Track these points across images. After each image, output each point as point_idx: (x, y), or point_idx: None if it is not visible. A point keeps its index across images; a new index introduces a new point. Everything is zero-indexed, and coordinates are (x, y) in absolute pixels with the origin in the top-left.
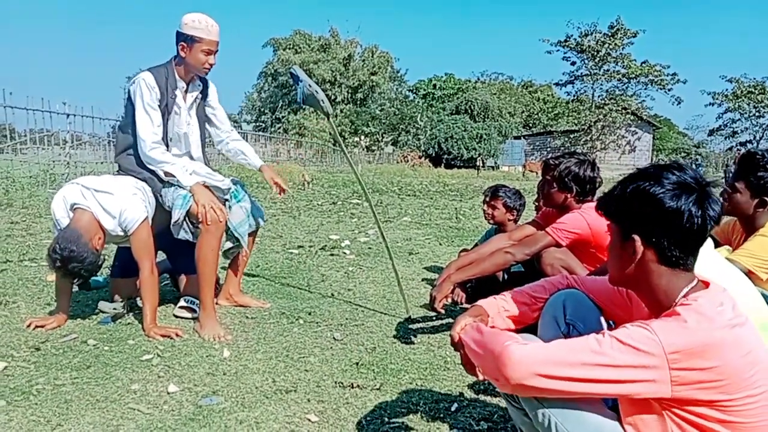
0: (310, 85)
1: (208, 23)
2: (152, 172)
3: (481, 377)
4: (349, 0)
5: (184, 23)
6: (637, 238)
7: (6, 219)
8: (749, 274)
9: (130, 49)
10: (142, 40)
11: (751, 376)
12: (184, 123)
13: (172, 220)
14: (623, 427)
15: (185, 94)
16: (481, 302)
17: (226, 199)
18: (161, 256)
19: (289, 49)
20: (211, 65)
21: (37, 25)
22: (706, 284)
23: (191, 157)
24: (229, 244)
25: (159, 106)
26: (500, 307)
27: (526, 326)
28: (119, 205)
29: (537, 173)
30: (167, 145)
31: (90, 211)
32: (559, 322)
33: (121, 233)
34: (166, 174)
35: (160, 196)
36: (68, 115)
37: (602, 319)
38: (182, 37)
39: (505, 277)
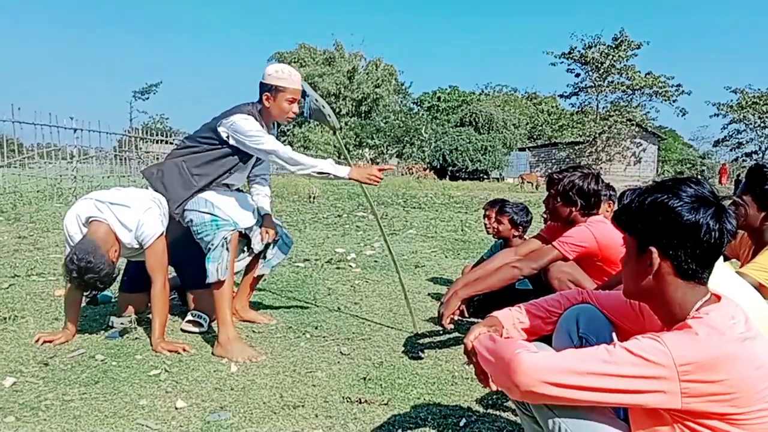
0: (316, 100)
1: (291, 73)
2: (200, 189)
3: (493, 387)
4: (353, 14)
5: (267, 74)
6: (654, 250)
7: (14, 234)
8: (760, 287)
9: (137, 64)
10: (148, 55)
11: (763, 389)
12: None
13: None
14: None
15: None
16: (496, 313)
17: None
18: (170, 271)
19: (294, 62)
20: (295, 113)
21: (45, 39)
22: (718, 298)
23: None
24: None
25: None
26: (515, 318)
27: (540, 337)
28: (136, 218)
29: (533, 184)
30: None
31: (107, 223)
32: (572, 336)
33: (137, 246)
34: (320, 173)
35: (183, 213)
36: (75, 130)
37: (614, 334)
38: (266, 88)
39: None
